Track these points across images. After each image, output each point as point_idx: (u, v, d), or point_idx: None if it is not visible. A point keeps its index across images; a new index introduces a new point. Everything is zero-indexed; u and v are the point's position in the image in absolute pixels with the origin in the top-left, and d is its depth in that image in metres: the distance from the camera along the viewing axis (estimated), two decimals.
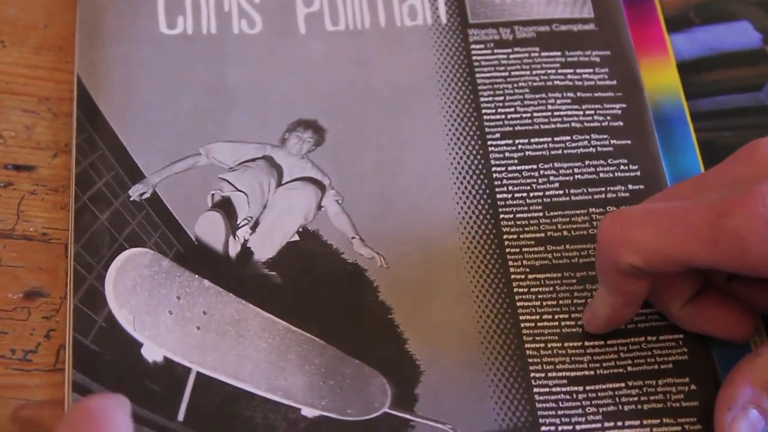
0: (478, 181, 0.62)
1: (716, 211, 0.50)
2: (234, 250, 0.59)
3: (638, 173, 0.62)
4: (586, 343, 0.56)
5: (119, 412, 0.45)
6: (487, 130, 0.63)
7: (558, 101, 0.64)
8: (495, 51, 0.66)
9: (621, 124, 0.63)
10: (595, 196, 0.61)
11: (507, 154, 0.62)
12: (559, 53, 0.66)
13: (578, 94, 0.64)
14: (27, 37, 0.67)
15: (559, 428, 0.54)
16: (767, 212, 0.48)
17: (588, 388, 0.55)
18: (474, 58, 0.66)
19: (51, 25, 0.67)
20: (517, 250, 0.59)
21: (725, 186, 0.52)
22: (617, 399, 0.55)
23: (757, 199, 0.49)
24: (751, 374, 0.53)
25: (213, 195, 0.61)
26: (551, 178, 0.62)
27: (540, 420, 0.54)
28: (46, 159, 0.62)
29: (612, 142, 0.63)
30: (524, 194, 0.61)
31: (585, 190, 0.61)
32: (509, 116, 0.64)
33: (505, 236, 0.60)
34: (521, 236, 0.60)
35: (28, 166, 0.62)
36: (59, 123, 0.64)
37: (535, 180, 0.62)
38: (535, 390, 0.55)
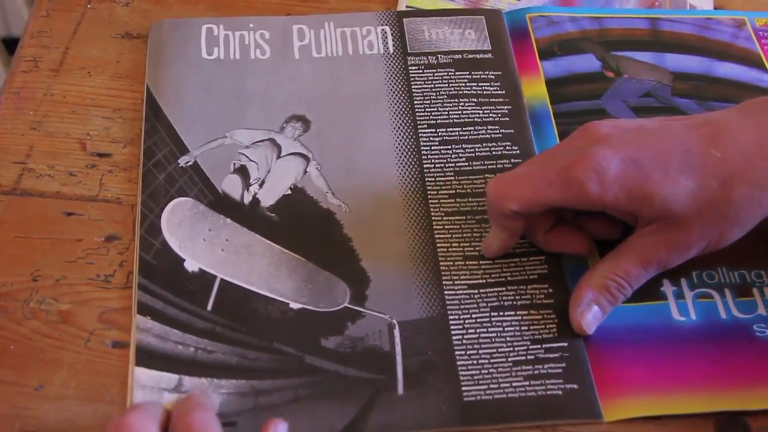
0: (411, 156, 0.60)
1: (564, 167, 0.49)
2: (247, 199, 0.57)
3: (518, 152, 0.60)
4: (481, 262, 0.55)
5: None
6: (418, 122, 0.61)
7: (466, 104, 0.62)
8: (425, 71, 0.64)
9: (507, 119, 0.62)
10: (489, 167, 0.59)
11: (431, 138, 0.61)
12: (467, 72, 0.64)
13: (479, 99, 0.63)
14: (105, 69, 0.65)
15: (461, 317, 0.53)
16: (596, 165, 0.48)
17: (481, 291, 0.54)
18: (411, 75, 0.64)
19: (121, 62, 0.65)
20: (436, 201, 0.58)
21: (569, 152, 0.51)
22: (500, 298, 0.53)
23: (589, 157, 0.49)
24: (591, 282, 0.52)
25: (234, 163, 0.59)
26: (460, 154, 0.60)
27: (448, 311, 0.53)
28: (118, 149, 0.60)
29: (501, 131, 0.61)
30: (442, 165, 0.59)
31: (482, 163, 0.60)
32: (433, 114, 0.62)
33: (428, 192, 0.58)
34: (439, 192, 0.58)
35: (107, 153, 0.60)
36: (127, 125, 0.62)
37: (449, 155, 0.60)
38: (446, 292, 0.54)
